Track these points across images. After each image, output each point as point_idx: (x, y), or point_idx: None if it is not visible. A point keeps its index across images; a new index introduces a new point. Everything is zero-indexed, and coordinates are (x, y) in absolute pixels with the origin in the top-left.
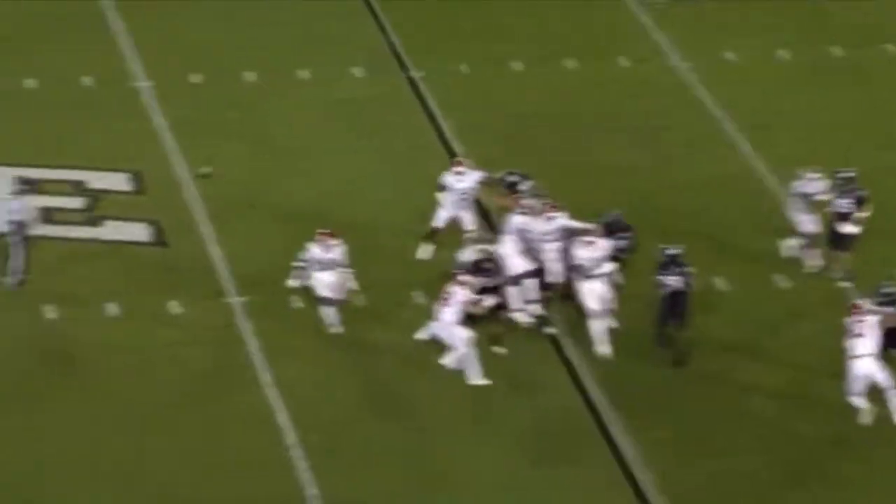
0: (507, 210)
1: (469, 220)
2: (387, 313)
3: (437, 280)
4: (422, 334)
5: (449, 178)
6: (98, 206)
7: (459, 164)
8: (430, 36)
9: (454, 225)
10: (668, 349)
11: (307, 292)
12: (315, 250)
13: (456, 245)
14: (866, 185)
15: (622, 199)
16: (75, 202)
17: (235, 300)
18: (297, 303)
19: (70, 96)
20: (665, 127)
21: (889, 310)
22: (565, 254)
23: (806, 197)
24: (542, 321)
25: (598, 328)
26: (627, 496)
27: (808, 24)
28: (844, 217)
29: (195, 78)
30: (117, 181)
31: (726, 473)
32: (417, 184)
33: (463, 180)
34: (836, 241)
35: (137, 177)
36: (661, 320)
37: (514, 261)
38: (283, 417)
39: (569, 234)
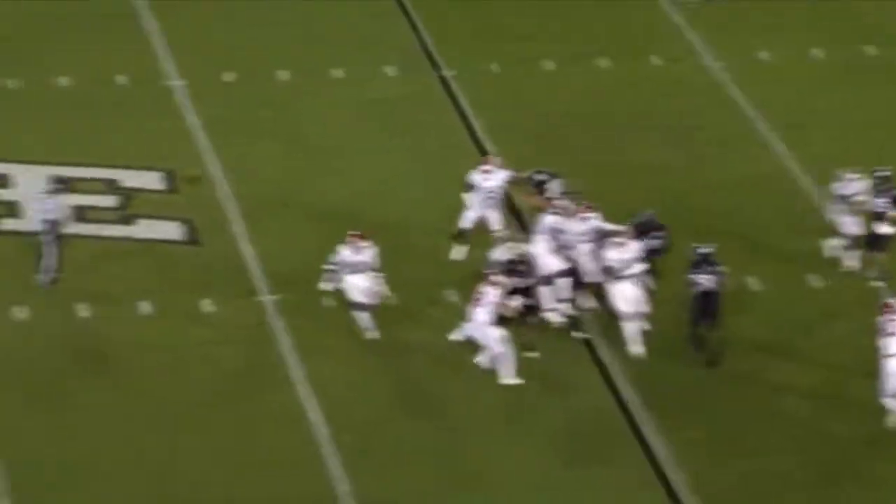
0: (538, 210)
1: (496, 220)
2: (419, 313)
3: (469, 279)
4: (456, 335)
5: (476, 177)
6: (131, 205)
7: (487, 162)
8: (462, 35)
9: (483, 225)
10: (700, 349)
11: (340, 294)
12: (345, 252)
13: (488, 245)
14: None
15: (655, 198)
16: (108, 200)
17: (268, 299)
18: (329, 301)
19: (104, 95)
20: (698, 126)
21: None
22: (597, 255)
23: (846, 198)
24: (573, 323)
25: (631, 329)
26: (660, 496)
27: (841, 23)
28: (880, 217)
29: (228, 77)
30: (150, 180)
31: (759, 473)
32: (449, 183)
33: (490, 179)
34: (873, 242)
35: (170, 175)
36: (693, 320)
37: (547, 260)
38: (315, 416)
39: (600, 236)
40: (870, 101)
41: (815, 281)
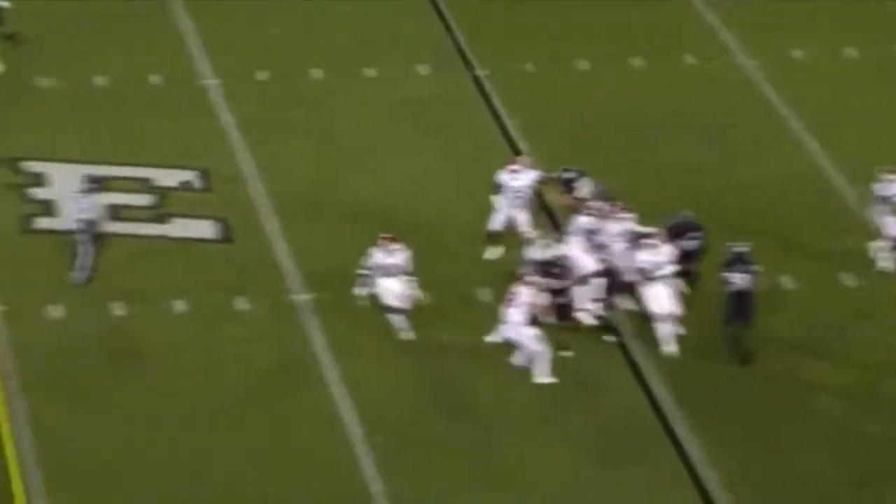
0: (570, 210)
1: (524, 220)
2: (452, 312)
3: (502, 279)
4: (492, 337)
5: (504, 177)
6: (166, 204)
7: (515, 162)
8: (496, 34)
9: (513, 225)
10: (734, 348)
11: (374, 298)
12: (378, 255)
13: (521, 245)
14: None
15: (688, 197)
16: (143, 199)
17: (301, 297)
18: (363, 301)
19: (139, 94)
20: (732, 125)
21: None
22: (630, 256)
23: (887, 199)
24: (605, 325)
25: (664, 329)
26: (692, 496)
27: (875, 22)
28: None
29: (262, 76)
30: (185, 178)
31: (792, 473)
32: (481, 183)
33: (518, 178)
34: None
35: (205, 174)
36: (727, 319)
37: (583, 261)
38: (348, 416)
39: (634, 237)
40: None
41: (848, 280)
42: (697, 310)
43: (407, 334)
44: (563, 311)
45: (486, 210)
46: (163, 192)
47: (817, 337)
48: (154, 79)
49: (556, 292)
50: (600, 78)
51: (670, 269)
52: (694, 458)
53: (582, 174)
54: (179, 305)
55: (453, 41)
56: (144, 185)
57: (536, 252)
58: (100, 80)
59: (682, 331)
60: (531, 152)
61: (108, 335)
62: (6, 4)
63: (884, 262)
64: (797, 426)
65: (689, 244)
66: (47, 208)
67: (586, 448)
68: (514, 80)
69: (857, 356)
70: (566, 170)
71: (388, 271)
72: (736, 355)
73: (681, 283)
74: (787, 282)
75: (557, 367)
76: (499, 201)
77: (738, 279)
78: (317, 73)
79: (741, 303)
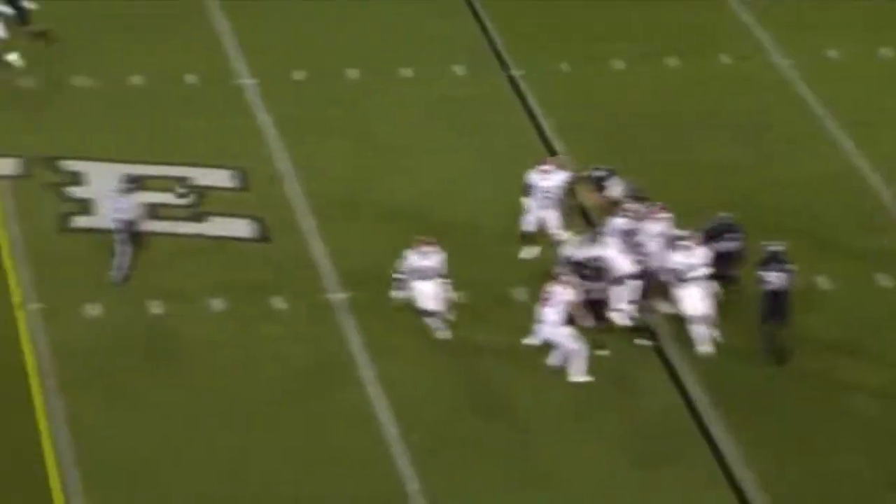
0: (602, 209)
1: (554, 220)
2: (488, 312)
3: (538, 278)
4: (531, 339)
5: (534, 176)
6: (203, 203)
7: (545, 162)
8: (531, 35)
9: (543, 225)
10: (769, 348)
11: (410, 301)
12: (412, 258)
13: (556, 245)
14: None
15: (723, 196)
16: (180, 198)
17: (338, 297)
18: (399, 303)
19: (175, 94)
20: (767, 124)
21: None
22: (665, 257)
23: None
24: (639, 327)
25: (699, 330)
26: (728, 496)
27: None
28: None
29: (298, 75)
30: (221, 178)
31: (828, 473)
32: (517, 183)
33: (548, 179)
34: None
35: (241, 173)
36: (762, 318)
37: (619, 261)
38: (384, 415)
39: (669, 239)
40: None
41: (884, 280)
42: (733, 310)
43: (442, 333)
44: (597, 310)
45: (521, 210)
46: (200, 192)
47: (853, 337)
48: (190, 78)
49: (591, 292)
50: (635, 77)
51: (704, 271)
52: (729, 458)
53: (612, 173)
54: (216, 304)
55: (489, 41)
56: (182, 184)
57: (572, 252)
58: (136, 80)
59: (718, 336)
60: (566, 152)
61: (145, 334)
62: (31, 5)
63: None
64: (833, 426)
65: (727, 245)
66: (85, 207)
67: (622, 448)
68: (549, 80)
69: (893, 356)
70: (597, 169)
71: (424, 274)
72: (772, 355)
73: (716, 286)
74: (822, 282)
75: (593, 366)
76: (528, 202)
77: (774, 278)
78: (353, 73)
79: (777, 302)
